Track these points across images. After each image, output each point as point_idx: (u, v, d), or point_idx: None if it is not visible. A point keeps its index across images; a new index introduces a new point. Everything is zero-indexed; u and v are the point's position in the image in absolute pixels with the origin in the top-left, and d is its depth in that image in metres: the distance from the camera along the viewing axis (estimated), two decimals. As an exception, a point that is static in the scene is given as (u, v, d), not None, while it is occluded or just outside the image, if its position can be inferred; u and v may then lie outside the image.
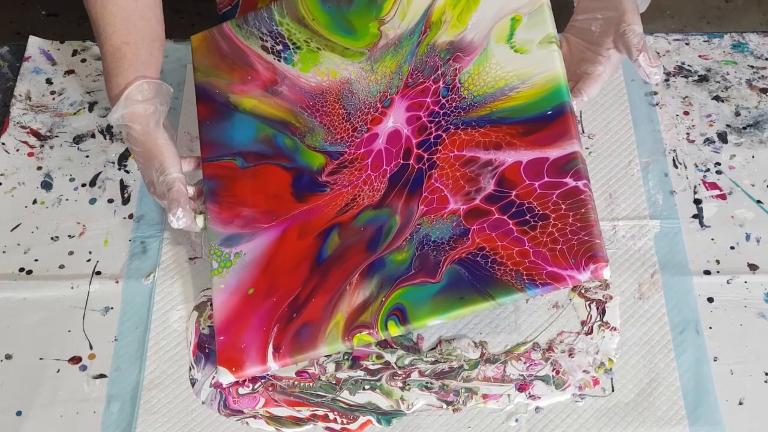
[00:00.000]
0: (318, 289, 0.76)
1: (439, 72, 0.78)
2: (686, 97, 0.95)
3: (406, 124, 0.78)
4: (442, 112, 0.77)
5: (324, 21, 0.82)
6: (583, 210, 0.70)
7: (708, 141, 0.92)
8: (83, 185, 0.91)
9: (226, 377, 0.77)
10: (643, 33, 0.76)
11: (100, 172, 0.92)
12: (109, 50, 0.78)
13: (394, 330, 0.73)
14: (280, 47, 0.83)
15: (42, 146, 0.94)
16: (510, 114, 0.74)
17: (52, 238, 0.88)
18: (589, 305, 0.82)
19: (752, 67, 0.97)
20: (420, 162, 0.77)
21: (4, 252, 0.87)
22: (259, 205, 0.80)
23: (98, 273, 0.86)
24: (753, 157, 0.91)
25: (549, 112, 0.73)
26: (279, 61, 0.83)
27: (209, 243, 0.80)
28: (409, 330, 0.74)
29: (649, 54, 0.75)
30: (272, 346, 0.75)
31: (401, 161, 0.78)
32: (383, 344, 0.81)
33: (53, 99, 0.97)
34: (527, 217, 0.72)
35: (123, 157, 0.93)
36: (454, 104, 0.77)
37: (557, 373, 0.79)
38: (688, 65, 0.97)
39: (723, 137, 0.92)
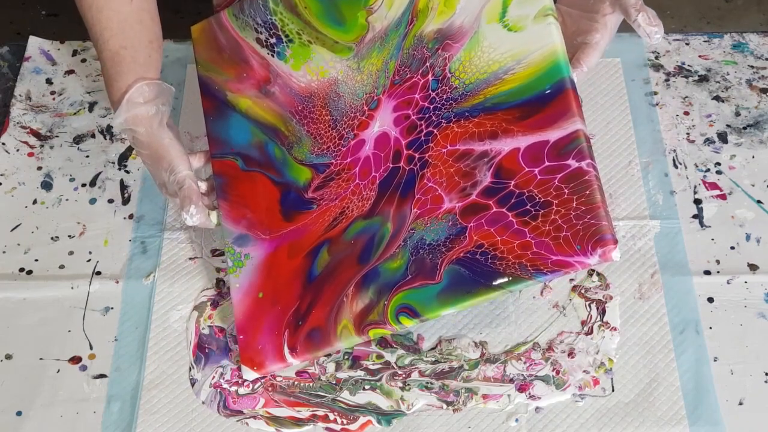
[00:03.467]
0: (315, 303, 0.76)
1: (428, 64, 0.74)
2: (686, 97, 0.95)
3: (393, 126, 0.75)
4: (432, 107, 0.74)
5: (315, 9, 0.80)
6: (588, 192, 0.67)
7: (708, 141, 0.92)
8: (83, 185, 0.91)
9: (249, 375, 0.77)
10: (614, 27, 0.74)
11: (100, 172, 0.92)
12: (108, 55, 0.78)
13: (408, 322, 0.72)
14: (273, 40, 0.81)
15: (42, 146, 0.94)
16: (505, 99, 0.71)
17: (52, 238, 0.88)
18: (589, 305, 0.82)
19: (752, 67, 0.97)
20: (411, 163, 0.74)
21: (4, 252, 0.87)
22: (257, 212, 0.80)
23: (98, 273, 0.86)
24: (753, 157, 0.91)
25: (548, 91, 0.69)
26: (272, 56, 0.81)
27: (224, 240, 0.80)
28: (423, 320, 0.72)
29: (648, 13, 0.72)
30: (287, 347, 0.76)
31: (391, 165, 0.75)
32: (383, 344, 0.81)
33: (53, 99, 0.97)
34: (527, 207, 0.68)
35: (123, 157, 0.93)
36: (444, 96, 0.73)
37: (557, 373, 0.79)
38: (688, 65, 0.97)
39: (723, 137, 0.92)
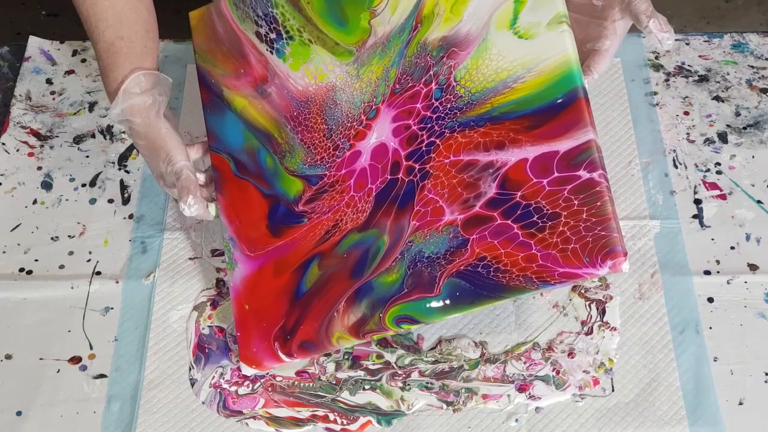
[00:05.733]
0: (303, 320, 0.74)
1: (431, 73, 0.72)
2: (686, 97, 0.95)
3: (392, 136, 0.73)
4: (435, 116, 0.72)
5: (318, 6, 0.77)
6: (599, 203, 0.66)
7: (708, 141, 0.92)
8: (83, 185, 0.91)
9: (248, 370, 0.77)
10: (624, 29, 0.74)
11: (100, 172, 0.92)
12: (104, 47, 0.77)
13: (410, 327, 0.71)
14: (273, 35, 0.79)
15: (42, 146, 0.94)
16: (514, 108, 0.69)
17: (52, 238, 0.88)
18: (589, 305, 0.82)
19: (752, 67, 0.97)
20: (411, 174, 0.72)
21: (4, 252, 0.87)
22: (245, 225, 0.78)
23: (98, 273, 0.86)
24: (753, 157, 0.91)
25: (559, 101, 0.67)
26: (271, 53, 0.79)
27: (222, 235, 0.79)
28: (426, 324, 0.71)
29: (659, 19, 0.71)
30: (283, 354, 0.75)
31: (389, 176, 0.73)
32: (383, 344, 0.81)
33: (53, 99, 0.97)
34: (534, 219, 0.67)
35: (123, 157, 0.93)
36: (449, 105, 0.71)
37: (557, 373, 0.79)
38: (688, 65, 0.97)
39: (723, 137, 0.92)
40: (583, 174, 0.66)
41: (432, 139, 0.72)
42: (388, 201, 0.73)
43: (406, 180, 0.72)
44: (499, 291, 0.68)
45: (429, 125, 0.72)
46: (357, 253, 0.73)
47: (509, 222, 0.68)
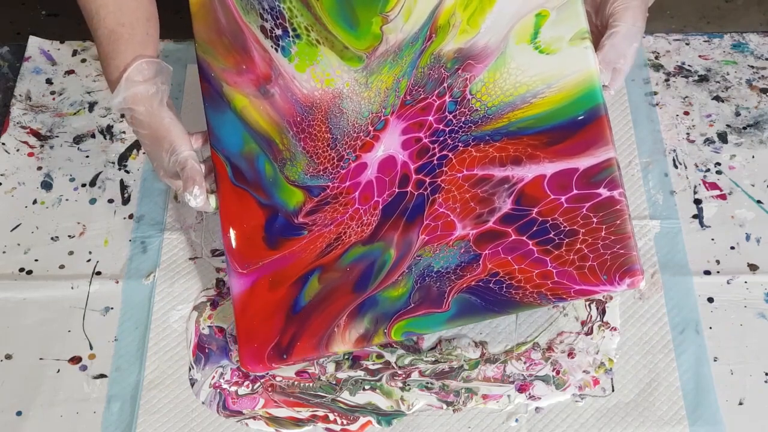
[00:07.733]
0: (299, 336, 0.72)
1: (445, 85, 0.70)
2: (686, 97, 0.95)
3: (401, 149, 0.71)
4: (448, 129, 0.70)
5: (328, 5, 0.74)
6: (618, 221, 0.65)
7: (708, 141, 0.92)
8: (83, 185, 0.91)
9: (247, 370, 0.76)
10: (630, 48, 0.71)
11: (100, 172, 0.92)
12: (104, 33, 0.76)
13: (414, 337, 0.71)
14: (279, 31, 0.75)
15: (42, 146, 0.94)
16: (532, 123, 0.68)
17: (52, 238, 0.88)
18: (589, 305, 0.82)
19: (752, 67, 0.97)
20: (421, 188, 0.71)
21: (4, 252, 0.87)
22: (238, 238, 0.75)
23: (98, 273, 0.86)
24: (753, 157, 0.91)
25: (581, 117, 0.67)
26: (276, 50, 0.76)
27: (221, 234, 0.77)
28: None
29: (607, 74, 0.70)
30: (279, 365, 0.74)
31: (397, 190, 0.71)
32: (383, 344, 0.81)
33: (53, 99, 0.97)
34: (551, 235, 0.66)
35: (123, 157, 0.93)
36: (463, 119, 0.70)
37: (557, 373, 0.79)
38: (688, 65, 0.97)
39: (723, 137, 0.92)
40: (603, 192, 0.66)
41: (444, 152, 0.71)
42: (396, 214, 0.71)
43: (416, 193, 0.71)
44: (511, 307, 0.68)
45: (441, 138, 0.71)
46: (361, 267, 0.72)
47: (524, 238, 0.68)
